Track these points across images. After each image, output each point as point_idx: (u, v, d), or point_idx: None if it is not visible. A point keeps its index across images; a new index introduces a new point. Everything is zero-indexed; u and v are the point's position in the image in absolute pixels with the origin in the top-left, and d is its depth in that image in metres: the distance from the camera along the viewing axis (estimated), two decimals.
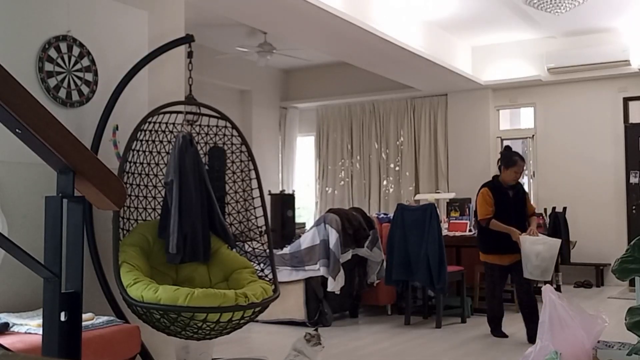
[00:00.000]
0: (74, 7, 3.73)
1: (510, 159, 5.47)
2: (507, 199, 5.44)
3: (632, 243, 2.25)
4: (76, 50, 3.72)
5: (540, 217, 6.05)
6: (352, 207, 8.05)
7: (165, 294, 3.26)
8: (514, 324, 5.91)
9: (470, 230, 7.05)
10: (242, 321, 3.47)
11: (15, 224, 3.28)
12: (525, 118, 9.88)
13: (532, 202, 5.69)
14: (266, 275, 3.98)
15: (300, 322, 6.02)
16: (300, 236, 6.68)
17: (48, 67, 3.57)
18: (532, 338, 4.97)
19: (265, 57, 8.59)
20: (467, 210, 7.39)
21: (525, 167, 5.46)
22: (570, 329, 3.18)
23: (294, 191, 9.41)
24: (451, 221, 7.30)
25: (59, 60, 3.63)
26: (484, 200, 5.44)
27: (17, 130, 1.69)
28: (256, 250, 4.16)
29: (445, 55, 8.56)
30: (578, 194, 8.84)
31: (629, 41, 8.47)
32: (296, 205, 8.93)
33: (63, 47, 3.65)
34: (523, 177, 5.62)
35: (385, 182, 10.56)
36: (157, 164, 4.02)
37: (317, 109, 11.26)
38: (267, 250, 4.08)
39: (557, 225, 7.70)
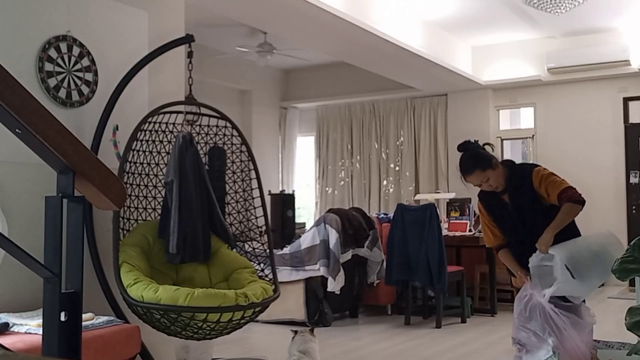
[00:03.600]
0: (73, 7, 3.73)
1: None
2: (503, 207, 3.60)
3: (632, 243, 2.25)
4: (76, 50, 3.72)
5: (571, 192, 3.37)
6: (352, 207, 8.04)
7: (166, 294, 3.26)
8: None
9: (470, 230, 7.05)
10: (242, 321, 3.48)
11: (15, 224, 3.28)
12: (525, 118, 9.87)
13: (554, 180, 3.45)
14: (266, 275, 3.98)
15: (300, 322, 6.01)
16: (300, 236, 6.68)
17: (48, 67, 3.57)
18: None
19: (265, 57, 8.59)
20: (467, 210, 7.38)
21: (478, 179, 3.49)
22: (565, 331, 3.20)
23: (294, 191, 9.41)
24: (451, 221, 7.29)
25: (59, 60, 3.63)
26: (482, 222, 3.78)
27: (17, 130, 1.69)
28: (256, 250, 4.16)
29: (445, 55, 8.56)
30: None
31: (629, 41, 8.47)
32: (296, 205, 8.92)
33: (63, 47, 3.66)
34: (488, 182, 3.51)
35: (385, 182, 10.55)
36: (157, 164, 4.02)
37: (317, 109, 11.26)
38: (267, 250, 4.08)
39: None
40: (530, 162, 9.16)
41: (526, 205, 3.50)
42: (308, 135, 11.51)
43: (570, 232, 3.47)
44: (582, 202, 3.38)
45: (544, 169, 3.53)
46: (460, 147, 3.60)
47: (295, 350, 3.72)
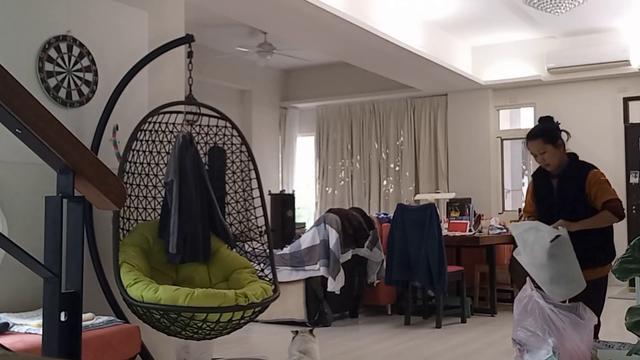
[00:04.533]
0: (74, 7, 3.73)
1: None
2: (549, 190, 3.87)
3: (632, 243, 2.25)
4: (76, 50, 3.72)
5: (615, 204, 3.64)
6: (352, 207, 8.04)
7: (165, 294, 3.26)
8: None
9: (470, 230, 7.05)
10: (242, 321, 3.47)
11: (15, 224, 3.28)
12: (525, 118, 9.88)
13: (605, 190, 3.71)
14: (266, 275, 3.98)
15: (300, 322, 6.02)
16: (300, 236, 6.68)
17: (48, 67, 3.57)
18: None
19: (265, 57, 8.59)
20: (467, 210, 7.38)
21: (536, 147, 3.79)
22: (564, 331, 3.20)
23: (294, 191, 9.41)
24: (451, 221, 7.29)
25: (59, 60, 3.63)
26: (526, 195, 4.14)
27: (17, 130, 1.69)
28: (256, 250, 4.16)
29: (445, 55, 8.56)
30: None
31: (629, 41, 8.47)
32: (296, 205, 8.92)
33: (63, 47, 3.65)
34: (544, 163, 3.80)
35: (385, 182, 10.56)
36: (157, 164, 4.02)
37: (317, 109, 11.26)
38: (267, 250, 4.08)
39: None
40: (530, 162, 9.18)
41: (571, 195, 3.74)
42: (308, 135, 11.52)
43: (599, 241, 3.69)
44: (620, 217, 3.66)
45: (602, 173, 3.78)
46: (542, 119, 3.96)
47: (295, 350, 3.72)
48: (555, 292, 3.45)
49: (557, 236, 3.43)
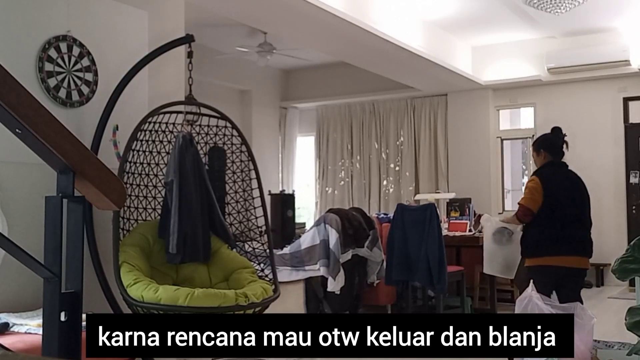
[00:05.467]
0: (73, 7, 3.73)
1: None
2: None
3: (632, 243, 2.25)
4: (76, 50, 3.72)
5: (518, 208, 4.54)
6: (352, 207, 8.04)
7: (166, 294, 3.26)
8: None
9: (470, 230, 7.05)
10: None
11: (15, 224, 3.28)
12: (525, 118, 9.88)
13: (522, 197, 4.62)
14: (266, 275, 3.98)
15: None
16: (300, 236, 6.67)
17: (48, 67, 3.57)
18: None
19: (265, 57, 8.59)
20: (467, 210, 7.38)
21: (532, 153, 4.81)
22: None
23: (294, 191, 9.40)
24: (451, 221, 7.29)
25: (59, 60, 3.63)
26: None
27: (17, 130, 1.69)
28: (256, 250, 4.16)
29: (445, 55, 8.56)
30: None
31: (629, 41, 8.46)
32: (296, 205, 8.91)
33: (63, 47, 3.66)
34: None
35: (385, 182, 10.55)
36: (157, 164, 4.02)
37: (317, 109, 11.26)
38: (267, 250, 4.08)
39: None
40: (530, 162, 9.20)
41: None
42: (308, 135, 11.51)
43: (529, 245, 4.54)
44: (519, 220, 4.55)
45: (531, 180, 4.51)
46: (552, 129, 4.63)
47: None
48: (486, 267, 5.25)
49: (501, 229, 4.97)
